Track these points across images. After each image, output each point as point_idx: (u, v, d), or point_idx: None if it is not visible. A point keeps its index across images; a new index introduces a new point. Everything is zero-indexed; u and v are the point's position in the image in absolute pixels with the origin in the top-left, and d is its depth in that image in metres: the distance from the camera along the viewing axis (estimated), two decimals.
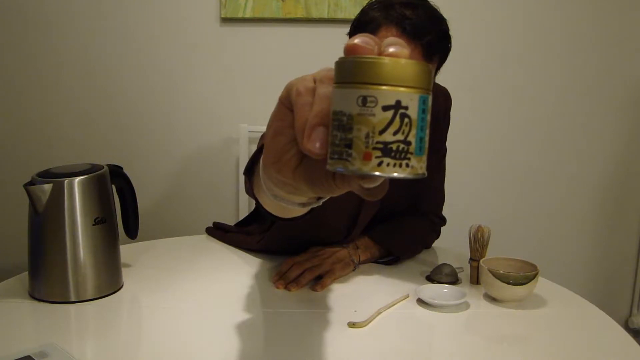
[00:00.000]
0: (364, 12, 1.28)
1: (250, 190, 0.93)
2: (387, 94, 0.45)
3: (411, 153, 0.47)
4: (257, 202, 0.82)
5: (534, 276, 1.21)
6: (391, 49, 0.47)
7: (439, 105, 1.51)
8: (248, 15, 2.08)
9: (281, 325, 1.14)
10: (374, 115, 0.45)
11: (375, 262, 1.47)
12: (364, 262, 1.44)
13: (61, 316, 1.15)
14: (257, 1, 2.07)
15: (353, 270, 1.39)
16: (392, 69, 0.45)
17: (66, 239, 1.18)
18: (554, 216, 2.32)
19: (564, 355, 1.06)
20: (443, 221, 1.63)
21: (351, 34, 1.31)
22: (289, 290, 1.29)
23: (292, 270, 1.33)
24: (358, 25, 1.29)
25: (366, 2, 1.89)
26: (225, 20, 2.10)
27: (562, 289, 1.34)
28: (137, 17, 2.09)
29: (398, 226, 1.50)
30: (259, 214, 1.66)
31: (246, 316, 1.19)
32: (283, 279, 1.31)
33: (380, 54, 0.47)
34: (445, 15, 2.03)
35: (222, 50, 2.13)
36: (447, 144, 2.22)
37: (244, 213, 2.11)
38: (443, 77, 2.17)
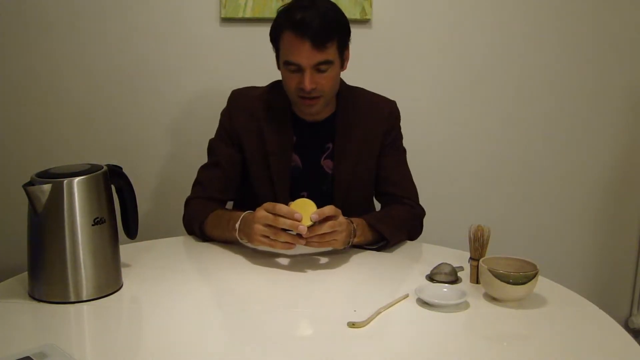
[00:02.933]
0: (274, 20, 1.57)
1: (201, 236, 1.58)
2: None
3: None
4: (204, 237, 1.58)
5: (534, 275, 1.21)
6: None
7: (383, 121, 1.67)
8: (248, 15, 2.07)
9: (281, 325, 1.14)
10: None
11: (366, 248, 1.52)
12: (355, 244, 1.49)
13: (61, 316, 1.15)
14: (257, 1, 2.07)
15: (342, 248, 1.45)
16: None
17: (66, 239, 1.18)
18: (554, 216, 2.32)
19: (564, 354, 1.06)
20: (422, 210, 1.69)
21: (271, 40, 1.58)
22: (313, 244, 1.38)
23: (314, 243, 1.37)
24: (272, 32, 1.58)
25: (368, 2, 1.97)
26: (225, 20, 2.10)
27: (562, 289, 1.33)
28: (137, 17, 2.09)
29: (388, 213, 1.62)
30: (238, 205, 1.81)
31: (246, 316, 1.19)
32: (308, 241, 1.36)
33: None
34: (446, 16, 2.10)
35: (222, 50, 2.13)
36: (446, 143, 2.25)
37: None
38: (445, 78, 2.19)
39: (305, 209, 1.35)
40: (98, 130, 2.16)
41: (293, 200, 1.42)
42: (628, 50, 2.21)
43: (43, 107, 2.14)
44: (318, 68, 1.50)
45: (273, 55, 2.08)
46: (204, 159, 1.72)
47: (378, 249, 1.53)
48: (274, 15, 2.05)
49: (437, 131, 2.22)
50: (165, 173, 2.21)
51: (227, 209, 1.65)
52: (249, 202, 1.62)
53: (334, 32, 1.50)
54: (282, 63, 1.54)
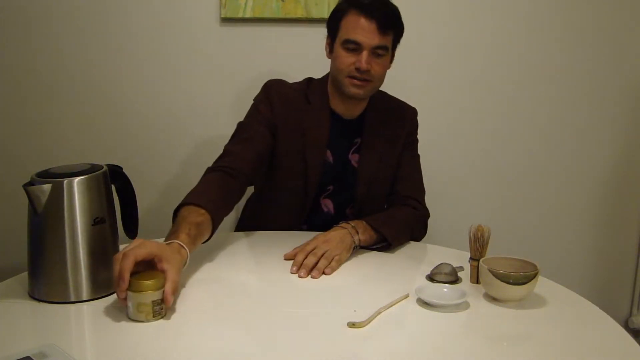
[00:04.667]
0: (338, 4, 1.62)
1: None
2: None
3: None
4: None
5: (534, 276, 1.21)
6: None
7: (406, 123, 1.76)
8: (248, 15, 2.07)
9: (281, 325, 1.14)
10: None
11: (368, 248, 1.53)
12: (363, 245, 1.51)
13: (61, 316, 1.15)
14: (257, 1, 2.07)
15: (351, 252, 1.48)
16: None
17: (66, 239, 1.18)
18: (554, 216, 2.32)
19: (564, 355, 1.06)
20: (426, 211, 1.72)
21: (329, 24, 1.61)
22: (314, 277, 1.35)
23: (309, 259, 1.38)
24: (333, 15, 1.61)
25: None
26: (225, 20, 2.10)
27: (562, 289, 1.33)
28: (137, 17, 2.09)
29: (390, 215, 1.62)
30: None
31: (246, 316, 1.19)
32: (304, 268, 1.36)
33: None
34: (446, 16, 2.13)
35: (222, 50, 2.13)
36: (446, 143, 2.25)
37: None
38: (444, 78, 2.18)
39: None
40: (98, 130, 2.17)
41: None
42: (628, 50, 2.21)
43: (43, 107, 2.14)
44: (376, 52, 1.55)
45: (273, 55, 2.10)
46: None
47: (380, 249, 1.54)
48: (274, 15, 2.07)
49: (437, 131, 2.21)
50: (165, 173, 2.21)
51: (197, 220, 1.36)
52: (273, 193, 1.63)
53: (395, 23, 1.58)
54: (341, 42, 1.56)
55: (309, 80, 1.72)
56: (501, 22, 2.16)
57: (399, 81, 2.15)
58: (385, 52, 1.57)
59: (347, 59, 1.55)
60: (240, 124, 1.67)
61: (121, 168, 1.33)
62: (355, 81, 1.56)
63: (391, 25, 1.56)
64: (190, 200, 1.39)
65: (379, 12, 1.53)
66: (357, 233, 1.49)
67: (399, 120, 1.73)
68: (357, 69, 1.54)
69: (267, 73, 2.09)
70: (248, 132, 1.62)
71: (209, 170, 1.55)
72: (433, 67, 2.19)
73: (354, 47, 1.54)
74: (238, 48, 2.13)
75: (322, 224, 1.66)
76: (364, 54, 1.53)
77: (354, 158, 1.69)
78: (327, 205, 1.71)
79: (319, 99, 1.66)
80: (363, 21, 1.52)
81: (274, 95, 1.66)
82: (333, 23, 1.60)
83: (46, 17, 2.08)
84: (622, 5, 2.17)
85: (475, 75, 2.20)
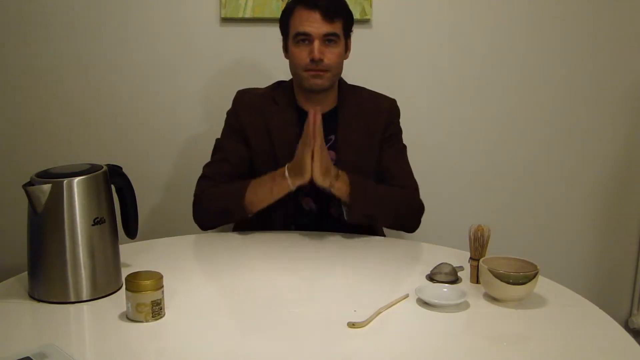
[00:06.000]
0: (285, 5, 1.68)
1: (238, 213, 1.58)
2: None
3: None
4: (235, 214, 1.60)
5: (534, 275, 1.21)
6: None
7: (383, 114, 1.74)
8: (248, 15, 2.07)
9: (281, 325, 1.14)
10: None
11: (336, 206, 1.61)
12: (333, 191, 1.55)
13: (60, 316, 1.15)
14: (257, 1, 2.07)
15: (323, 188, 1.54)
16: None
17: (65, 239, 1.18)
18: (554, 216, 2.32)
19: (564, 355, 1.06)
20: (420, 203, 1.71)
21: (281, 26, 1.67)
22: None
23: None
24: (282, 16, 1.67)
25: (368, 2, 1.95)
26: (225, 20, 2.10)
27: (562, 289, 1.33)
28: (137, 17, 2.09)
29: (374, 185, 1.65)
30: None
31: (246, 316, 1.19)
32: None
33: None
34: (445, 15, 2.11)
35: (222, 50, 2.13)
36: (446, 143, 2.24)
37: None
38: (444, 78, 2.18)
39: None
40: (98, 130, 2.16)
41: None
42: (628, 50, 2.21)
43: (43, 107, 2.14)
44: (327, 39, 1.59)
45: (273, 55, 2.09)
46: (204, 158, 1.72)
47: (342, 206, 1.58)
48: (274, 15, 2.07)
49: (436, 131, 2.22)
50: (165, 173, 2.21)
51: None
52: None
53: (341, 11, 1.63)
54: (292, 37, 1.62)
55: (278, 83, 1.77)
56: (502, 22, 2.16)
57: (400, 81, 2.16)
58: (337, 39, 1.61)
59: (300, 53, 1.61)
60: (216, 143, 1.73)
61: (121, 168, 1.33)
62: (312, 72, 1.61)
63: (336, 13, 1.61)
64: (237, 185, 1.59)
65: (322, 2, 1.59)
66: (337, 178, 1.53)
67: (375, 113, 1.72)
68: (312, 60, 1.59)
69: (267, 73, 2.09)
70: (223, 152, 1.69)
71: (200, 193, 1.65)
72: (434, 67, 2.19)
73: (304, 38, 1.59)
74: (238, 48, 2.13)
75: (309, 223, 1.67)
76: (315, 43, 1.58)
77: (329, 155, 1.68)
78: (309, 204, 1.70)
79: (286, 99, 1.71)
80: (307, 13, 1.59)
81: (240, 105, 1.72)
82: (283, 23, 1.66)
83: (45, 17, 2.07)
84: (622, 6, 2.17)
85: (475, 75, 2.20)
